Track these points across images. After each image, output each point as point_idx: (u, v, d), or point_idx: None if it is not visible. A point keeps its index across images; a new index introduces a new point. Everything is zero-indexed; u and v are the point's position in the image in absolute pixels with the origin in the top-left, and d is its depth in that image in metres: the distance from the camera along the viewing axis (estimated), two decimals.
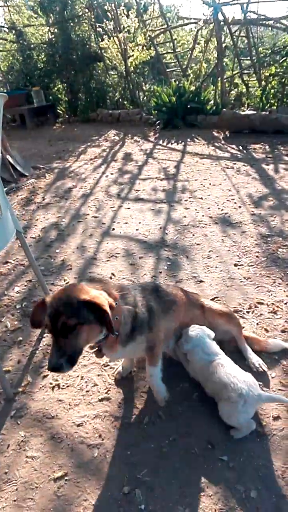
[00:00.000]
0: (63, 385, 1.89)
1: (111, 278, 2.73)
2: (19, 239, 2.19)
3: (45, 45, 9.49)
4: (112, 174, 5.13)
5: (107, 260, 2.98)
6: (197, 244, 3.10)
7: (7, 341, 2.20)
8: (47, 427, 1.68)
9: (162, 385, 1.71)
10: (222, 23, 7.32)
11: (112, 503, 1.38)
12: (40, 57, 9.68)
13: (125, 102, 8.90)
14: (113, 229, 3.52)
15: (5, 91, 9.69)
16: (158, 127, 7.42)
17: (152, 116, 7.84)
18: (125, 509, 1.36)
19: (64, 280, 2.75)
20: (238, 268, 2.71)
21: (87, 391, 1.84)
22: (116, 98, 9.07)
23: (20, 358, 2.09)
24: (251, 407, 1.53)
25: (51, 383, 1.90)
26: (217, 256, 2.89)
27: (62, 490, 1.43)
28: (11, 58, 10.11)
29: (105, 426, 1.66)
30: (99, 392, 1.83)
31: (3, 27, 10.38)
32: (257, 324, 2.16)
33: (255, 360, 1.87)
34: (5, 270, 2.96)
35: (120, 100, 9.02)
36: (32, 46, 9.68)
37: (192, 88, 7.54)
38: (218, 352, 1.73)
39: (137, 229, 3.46)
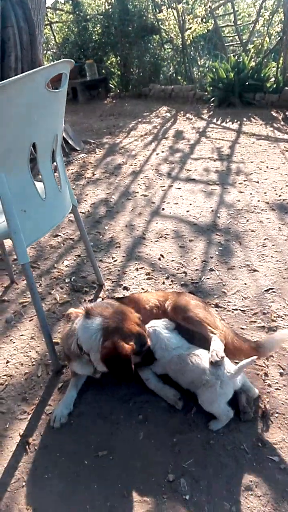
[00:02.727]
0: None
1: (159, 259, 2.67)
2: (74, 213, 2.17)
3: (101, 16, 9.29)
4: (162, 152, 4.99)
5: (156, 241, 2.91)
6: (252, 231, 2.94)
7: (56, 313, 2.22)
8: (93, 402, 1.68)
9: (163, 385, 1.66)
10: None
11: (156, 489, 1.36)
12: (95, 29, 9.51)
13: (179, 77, 8.57)
14: (163, 209, 3.43)
15: None
16: (212, 104, 7.11)
17: (206, 93, 7.51)
18: (169, 496, 1.33)
19: (112, 258, 2.73)
20: None
21: None
22: (170, 73, 8.76)
23: None
24: (229, 386, 1.48)
25: None
26: (273, 245, 2.72)
27: (107, 469, 1.43)
28: (66, 29, 10.02)
29: (152, 409, 1.63)
30: None
31: None
32: None
33: None
34: (55, 243, 2.98)
35: (174, 75, 8.70)
36: (88, 17, 9.51)
37: (252, 64, 7.08)
38: (178, 343, 1.65)
39: (187, 211, 3.34)
